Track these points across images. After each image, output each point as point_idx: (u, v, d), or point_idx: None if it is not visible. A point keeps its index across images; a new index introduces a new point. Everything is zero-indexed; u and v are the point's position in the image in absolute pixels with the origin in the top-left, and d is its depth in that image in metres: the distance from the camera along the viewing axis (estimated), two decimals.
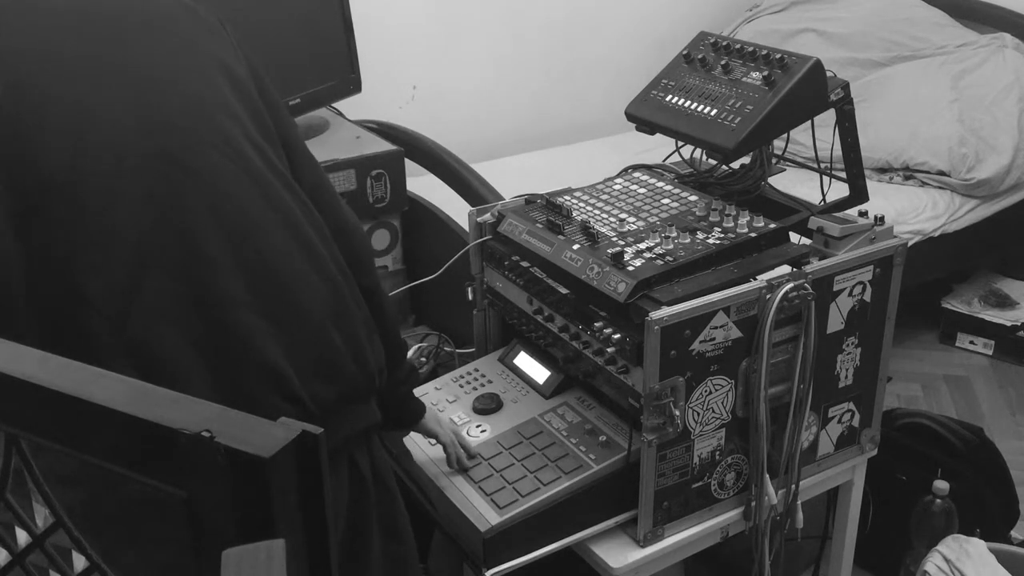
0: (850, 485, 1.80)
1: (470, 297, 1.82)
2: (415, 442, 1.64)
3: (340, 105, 2.55)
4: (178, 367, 1.13)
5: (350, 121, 2.52)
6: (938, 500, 2.05)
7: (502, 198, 1.99)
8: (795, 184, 1.85)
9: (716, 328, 1.44)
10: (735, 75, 1.64)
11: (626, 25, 3.68)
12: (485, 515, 1.47)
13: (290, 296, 1.21)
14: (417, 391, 1.56)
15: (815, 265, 1.53)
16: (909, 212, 2.96)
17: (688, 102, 1.66)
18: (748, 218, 1.58)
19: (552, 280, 1.60)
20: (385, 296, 1.39)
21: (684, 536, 1.55)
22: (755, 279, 1.49)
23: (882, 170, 3.15)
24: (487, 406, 1.69)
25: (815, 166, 1.74)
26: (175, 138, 1.17)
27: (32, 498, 0.68)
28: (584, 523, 1.52)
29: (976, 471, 2.19)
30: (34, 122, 1.12)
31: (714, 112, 1.61)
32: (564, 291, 1.57)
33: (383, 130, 2.48)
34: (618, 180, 1.83)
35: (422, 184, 2.43)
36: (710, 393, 1.48)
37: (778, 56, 1.60)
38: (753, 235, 1.56)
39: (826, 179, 1.73)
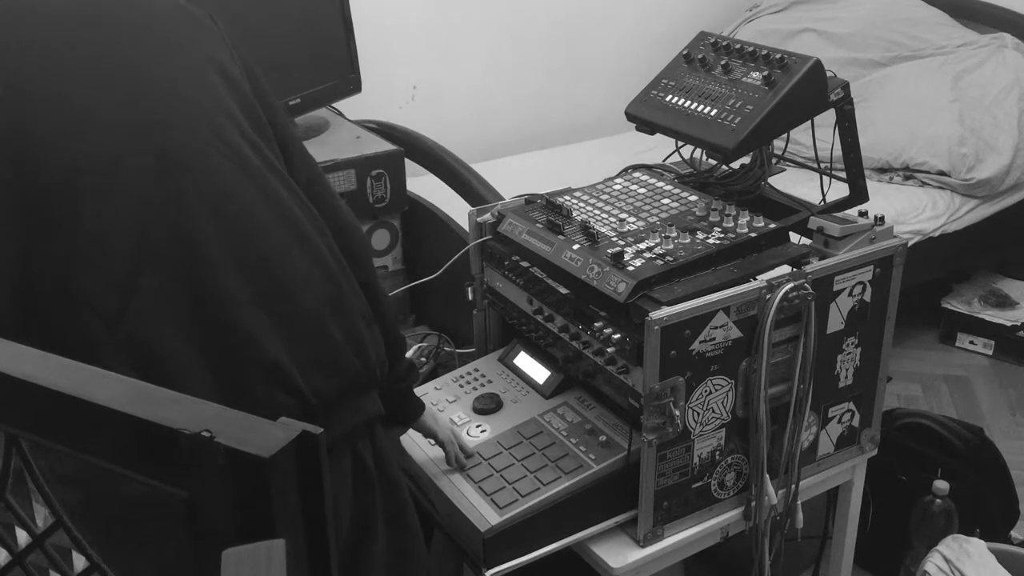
0: (850, 485, 1.80)
1: (470, 297, 1.82)
2: (414, 441, 1.64)
3: (340, 105, 2.55)
4: (178, 365, 1.13)
5: (350, 121, 2.52)
6: (938, 500, 2.05)
7: (502, 198, 1.99)
8: (795, 184, 1.85)
9: (716, 328, 1.44)
10: (735, 75, 1.64)
11: (626, 25, 3.68)
12: (485, 515, 1.47)
13: (289, 291, 1.21)
14: (417, 391, 1.56)
15: (815, 265, 1.53)
16: (909, 212, 2.96)
17: (688, 102, 1.66)
18: (748, 218, 1.58)
19: (552, 280, 1.60)
20: (383, 292, 1.40)
21: (684, 536, 1.55)
22: (755, 279, 1.49)
23: (882, 170, 3.15)
24: (487, 406, 1.69)
25: (815, 166, 1.74)
26: (172, 137, 1.17)
27: (32, 498, 0.68)
28: (584, 523, 1.52)
29: (976, 471, 2.19)
30: (32, 123, 1.13)
31: (714, 112, 1.61)
32: (564, 291, 1.57)
33: (383, 130, 2.48)
34: (618, 180, 1.83)
35: (422, 184, 2.43)
36: (710, 393, 1.48)
37: (778, 56, 1.60)
38: (753, 235, 1.56)
39: (826, 179, 1.73)
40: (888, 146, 3.12)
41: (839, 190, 1.72)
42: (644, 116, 1.72)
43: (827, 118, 1.64)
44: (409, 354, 1.95)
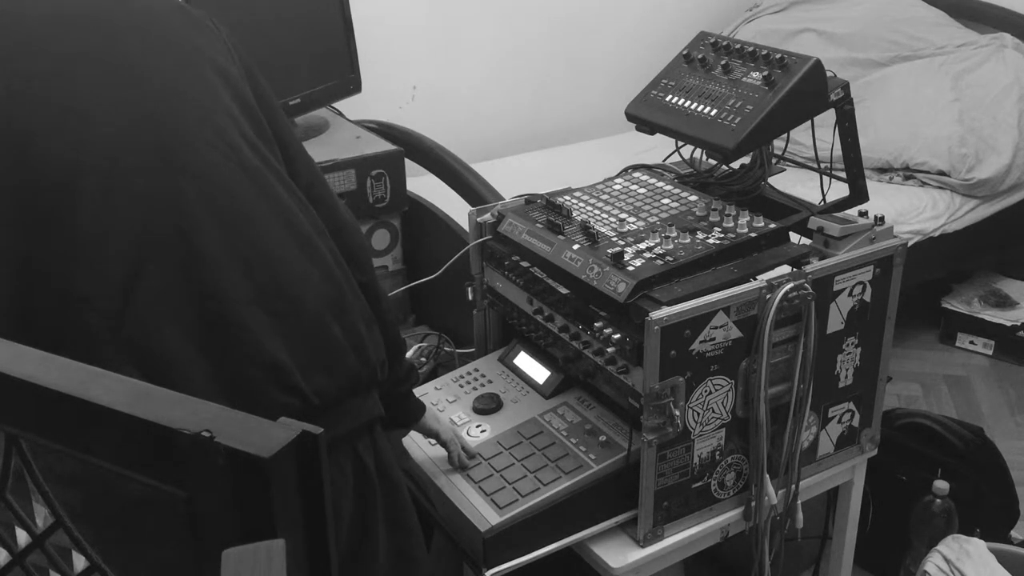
0: (850, 485, 1.80)
1: (470, 297, 1.82)
2: (414, 442, 1.64)
3: (340, 105, 2.55)
4: (178, 364, 1.13)
5: (350, 121, 2.52)
6: (938, 500, 2.05)
7: (502, 198, 1.99)
8: (795, 184, 1.85)
9: (716, 328, 1.44)
10: (735, 75, 1.64)
11: (626, 25, 3.68)
12: (485, 515, 1.47)
13: (289, 290, 1.21)
14: (417, 391, 1.56)
15: (815, 265, 1.53)
16: (909, 212, 2.96)
17: (688, 102, 1.66)
18: (748, 218, 1.58)
19: (552, 280, 1.60)
20: (383, 293, 1.40)
21: (684, 536, 1.55)
22: (755, 279, 1.49)
23: (882, 170, 3.15)
24: (487, 406, 1.69)
25: (815, 166, 1.74)
26: (171, 137, 1.17)
27: (32, 498, 0.68)
28: (584, 523, 1.52)
29: (976, 471, 2.19)
30: (31, 123, 1.13)
31: (714, 112, 1.61)
32: (564, 291, 1.57)
33: (383, 130, 2.49)
34: (618, 180, 1.83)
35: (422, 184, 2.43)
36: (710, 393, 1.48)
37: (778, 56, 1.60)
38: (753, 235, 1.56)
39: (826, 179, 1.73)
40: (888, 146, 3.12)
41: (839, 190, 1.72)
42: (644, 116, 1.72)
43: (827, 118, 1.64)
44: (409, 354, 1.96)
